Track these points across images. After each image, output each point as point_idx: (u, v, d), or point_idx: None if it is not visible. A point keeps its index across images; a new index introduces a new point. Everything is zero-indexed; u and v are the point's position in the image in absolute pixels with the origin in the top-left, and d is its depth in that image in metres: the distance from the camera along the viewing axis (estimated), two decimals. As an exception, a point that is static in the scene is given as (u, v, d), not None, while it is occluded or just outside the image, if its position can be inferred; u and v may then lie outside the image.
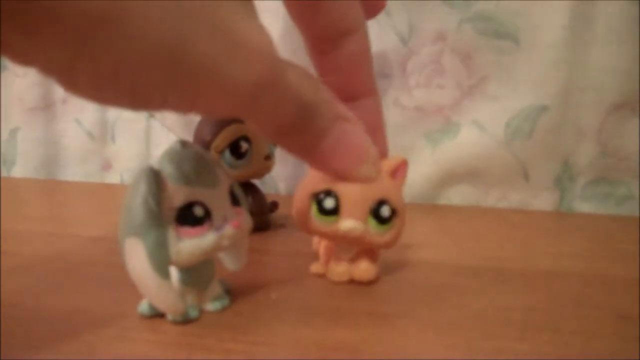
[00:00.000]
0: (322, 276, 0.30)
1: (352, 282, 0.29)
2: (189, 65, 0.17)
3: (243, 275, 0.29)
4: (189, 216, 0.23)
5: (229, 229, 0.24)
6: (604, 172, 0.48)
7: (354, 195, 0.27)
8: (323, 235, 0.29)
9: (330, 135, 0.24)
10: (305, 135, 0.23)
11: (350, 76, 0.27)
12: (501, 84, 0.48)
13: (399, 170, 0.28)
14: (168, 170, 0.24)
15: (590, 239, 0.40)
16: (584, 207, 0.49)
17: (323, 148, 0.24)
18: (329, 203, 0.27)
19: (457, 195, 0.51)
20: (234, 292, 0.28)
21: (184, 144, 0.25)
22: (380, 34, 0.50)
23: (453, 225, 0.44)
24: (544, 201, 0.49)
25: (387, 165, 0.28)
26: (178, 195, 0.23)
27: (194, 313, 0.25)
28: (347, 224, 0.27)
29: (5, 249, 0.36)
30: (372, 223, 0.27)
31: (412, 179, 0.50)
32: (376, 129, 0.28)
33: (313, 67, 0.27)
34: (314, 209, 0.28)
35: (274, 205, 0.41)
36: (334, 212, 0.27)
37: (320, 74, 0.27)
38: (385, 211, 0.27)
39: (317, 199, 0.28)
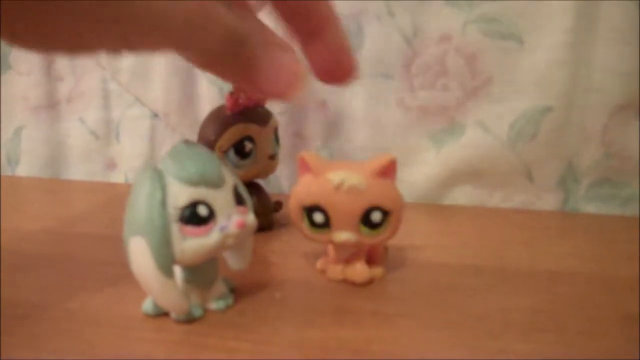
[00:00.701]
0: (325, 272, 0.31)
1: (355, 282, 0.29)
2: (121, 5, 0.18)
3: (247, 274, 0.29)
4: (193, 215, 0.23)
5: (233, 229, 0.24)
6: (608, 173, 0.48)
7: (342, 209, 0.27)
8: (319, 243, 0.29)
9: (263, 61, 0.24)
10: (237, 62, 0.24)
11: (338, 59, 0.27)
12: (505, 85, 0.48)
13: (388, 168, 0.28)
14: (172, 170, 0.24)
15: (594, 239, 0.40)
16: (588, 208, 0.49)
17: (256, 73, 0.24)
18: (318, 218, 0.28)
19: (462, 196, 0.51)
20: (238, 291, 0.28)
21: (188, 143, 0.25)
22: (385, 34, 0.50)
23: (457, 226, 0.44)
24: (548, 202, 0.49)
25: (375, 165, 0.28)
26: (182, 195, 0.23)
27: (197, 312, 0.26)
28: (340, 236, 0.28)
29: (9, 248, 0.36)
30: (365, 230, 0.28)
31: (417, 179, 0.51)
32: (345, 49, 0.28)
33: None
34: (306, 221, 0.28)
35: (278, 205, 0.41)
36: (325, 225, 0.28)
37: (308, 59, 0.27)
38: (376, 217, 0.28)
39: (308, 212, 0.28)
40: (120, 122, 0.61)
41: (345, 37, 0.28)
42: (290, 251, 0.35)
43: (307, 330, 0.24)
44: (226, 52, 0.23)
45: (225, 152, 0.37)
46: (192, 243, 0.23)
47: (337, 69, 0.27)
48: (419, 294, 0.29)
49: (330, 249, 0.31)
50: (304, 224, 0.29)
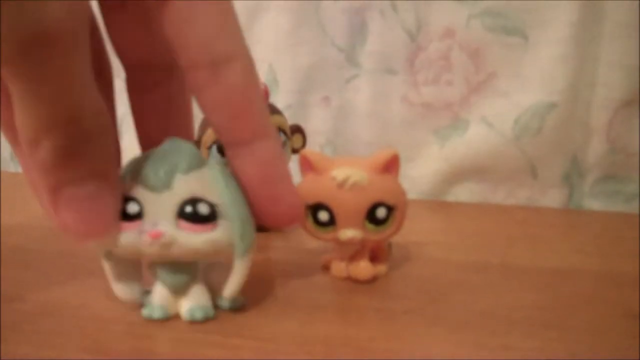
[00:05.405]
0: (329, 270, 0.31)
1: (359, 279, 0.29)
2: None
3: (250, 272, 0.29)
4: (123, 210, 0.23)
5: (145, 236, 0.23)
6: (613, 169, 0.47)
7: (346, 207, 0.27)
8: (324, 241, 0.29)
9: None
10: None
11: (237, 115, 0.23)
12: (510, 80, 0.48)
13: (391, 163, 0.28)
14: (128, 162, 0.24)
15: (599, 236, 0.39)
16: (593, 204, 0.49)
17: None
18: (323, 216, 0.28)
19: (465, 192, 0.51)
20: (240, 288, 0.28)
21: (172, 141, 0.24)
22: (388, 29, 0.50)
23: (461, 222, 0.44)
24: (552, 198, 0.49)
25: (378, 161, 0.27)
26: (124, 188, 0.24)
27: (157, 313, 0.25)
28: (346, 234, 0.28)
29: (11, 244, 0.36)
30: (370, 226, 0.28)
31: (420, 175, 0.51)
32: (279, 178, 0.25)
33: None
34: (310, 219, 0.28)
35: None
36: (330, 223, 0.28)
37: (203, 111, 0.24)
38: (381, 213, 0.28)
39: (312, 210, 0.28)
40: (123, 119, 0.61)
41: (278, 152, 0.24)
42: (293, 248, 0.35)
43: (310, 328, 0.24)
44: None
45: (209, 149, 0.36)
46: (121, 237, 0.23)
47: (264, 183, 0.24)
48: (422, 291, 0.28)
49: (334, 246, 0.30)
50: (309, 223, 0.29)
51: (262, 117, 0.24)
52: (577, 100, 0.46)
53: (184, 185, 0.23)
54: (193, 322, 0.25)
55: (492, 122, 0.48)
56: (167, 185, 0.23)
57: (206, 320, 0.25)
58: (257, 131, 0.23)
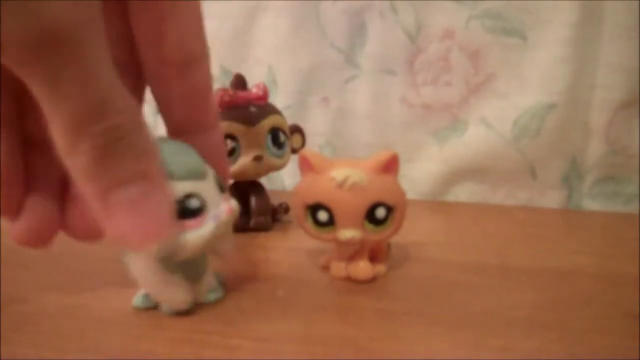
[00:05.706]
0: (328, 269, 0.31)
1: (358, 279, 0.29)
2: None
3: (249, 272, 0.29)
4: (187, 209, 0.23)
5: (224, 216, 0.24)
6: (612, 170, 0.47)
7: (346, 207, 0.27)
8: (324, 241, 0.29)
9: None
10: None
11: (198, 107, 0.26)
12: (509, 82, 0.48)
13: (390, 164, 0.28)
14: None
15: (598, 237, 0.39)
16: (592, 205, 0.49)
17: None
18: (322, 216, 0.28)
19: (464, 193, 0.51)
20: (239, 289, 0.28)
21: (163, 139, 0.25)
22: (388, 31, 0.50)
23: (460, 223, 0.44)
24: (551, 199, 0.49)
25: (378, 161, 0.28)
26: (172, 191, 0.23)
27: (180, 306, 0.25)
28: (345, 234, 0.28)
29: (11, 245, 0.36)
30: (370, 227, 0.28)
31: (420, 176, 0.51)
32: (223, 161, 0.28)
33: (153, 97, 0.26)
34: (309, 219, 0.28)
35: (286, 209, 0.41)
36: (329, 223, 0.28)
37: (161, 102, 0.26)
38: (380, 213, 0.28)
39: (312, 211, 0.28)
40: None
41: (223, 136, 0.29)
42: (293, 248, 0.35)
43: (309, 328, 0.24)
44: None
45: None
46: (190, 236, 0.23)
47: (218, 161, 0.26)
48: (421, 291, 0.28)
49: (333, 246, 0.30)
50: (308, 223, 0.29)
51: (215, 110, 0.27)
52: (576, 102, 0.46)
53: (207, 165, 0.25)
54: (194, 320, 0.25)
55: (491, 124, 0.48)
56: (206, 169, 0.25)
57: (217, 300, 0.27)
58: (212, 121, 0.27)
